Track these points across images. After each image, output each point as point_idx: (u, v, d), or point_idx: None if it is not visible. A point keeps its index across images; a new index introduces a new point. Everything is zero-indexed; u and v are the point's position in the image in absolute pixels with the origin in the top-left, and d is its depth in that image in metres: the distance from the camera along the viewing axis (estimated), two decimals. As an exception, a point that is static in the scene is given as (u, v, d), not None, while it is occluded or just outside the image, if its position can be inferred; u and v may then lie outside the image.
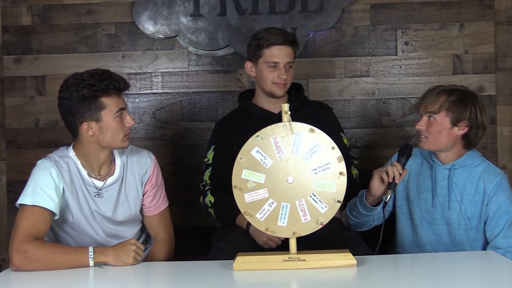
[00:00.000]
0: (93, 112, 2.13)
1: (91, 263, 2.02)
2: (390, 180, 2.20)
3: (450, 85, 2.40)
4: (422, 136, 2.34)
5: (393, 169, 2.20)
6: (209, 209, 2.55)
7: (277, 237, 2.28)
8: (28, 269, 2.00)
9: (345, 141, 2.67)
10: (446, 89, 2.34)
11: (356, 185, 2.59)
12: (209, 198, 2.54)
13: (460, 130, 2.31)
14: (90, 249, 2.03)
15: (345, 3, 3.08)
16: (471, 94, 2.35)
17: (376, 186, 2.24)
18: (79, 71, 2.21)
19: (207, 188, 2.57)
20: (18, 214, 2.10)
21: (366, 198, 2.31)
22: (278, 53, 2.52)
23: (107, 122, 2.15)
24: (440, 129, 2.30)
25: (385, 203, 2.25)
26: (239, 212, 2.37)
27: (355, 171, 2.62)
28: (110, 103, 2.14)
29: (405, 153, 2.26)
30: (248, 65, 2.61)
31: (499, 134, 3.10)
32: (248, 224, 2.38)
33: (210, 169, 2.58)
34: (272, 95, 2.56)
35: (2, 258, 3.16)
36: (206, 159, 2.62)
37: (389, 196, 2.21)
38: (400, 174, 2.21)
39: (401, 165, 2.22)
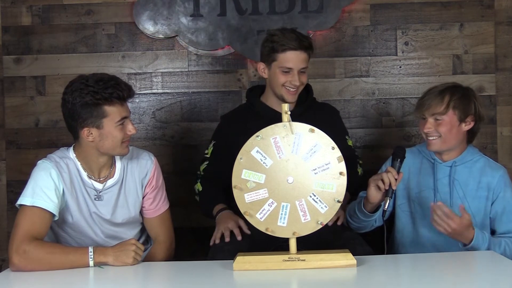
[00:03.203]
0: (95, 119, 2.11)
1: (91, 263, 2.02)
2: (387, 187, 2.18)
3: (444, 83, 2.41)
4: (431, 138, 2.34)
5: (388, 175, 2.18)
6: (196, 196, 2.62)
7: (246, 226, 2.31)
8: (28, 269, 1.99)
9: (350, 143, 2.71)
10: (446, 88, 2.35)
11: (361, 181, 2.61)
12: (198, 187, 2.61)
13: (466, 126, 2.34)
14: (90, 249, 2.03)
15: (345, 3, 3.08)
16: (469, 89, 2.40)
17: (373, 194, 2.22)
18: (80, 72, 2.20)
19: (199, 177, 2.64)
20: (17, 215, 2.10)
21: (364, 205, 2.29)
22: (293, 59, 2.48)
23: (108, 130, 2.13)
24: (450, 128, 2.31)
25: (384, 211, 2.23)
26: (219, 203, 2.47)
27: (360, 170, 2.68)
28: (112, 112, 2.12)
29: (398, 157, 2.23)
30: (261, 66, 2.58)
31: (499, 134, 3.10)
32: (217, 212, 2.44)
33: (206, 162, 2.63)
34: (282, 99, 2.53)
35: (2, 258, 3.15)
36: (206, 151, 2.67)
37: (387, 203, 2.20)
38: (396, 179, 2.18)
39: (395, 169, 2.20)
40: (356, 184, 2.54)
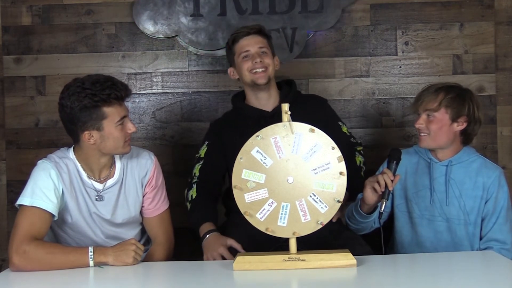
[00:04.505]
0: (95, 121, 2.10)
1: (91, 263, 2.01)
2: (383, 189, 2.17)
3: (443, 82, 2.43)
4: (422, 134, 2.36)
5: (384, 177, 2.17)
6: (188, 203, 2.53)
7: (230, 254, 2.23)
8: (28, 269, 1.99)
9: (345, 129, 2.68)
10: (443, 86, 2.37)
11: (361, 174, 2.59)
12: (193, 192, 2.53)
13: (459, 126, 2.35)
14: (90, 249, 2.03)
15: (345, 3, 3.08)
16: (467, 90, 2.40)
17: (370, 196, 2.21)
18: (80, 72, 2.20)
19: (194, 181, 2.56)
20: (17, 215, 2.10)
21: (361, 207, 2.29)
22: (247, 43, 2.56)
23: (108, 131, 2.12)
24: (440, 126, 2.32)
25: (381, 213, 2.23)
26: (207, 221, 2.39)
27: (359, 159, 2.64)
28: (112, 113, 2.11)
29: (394, 159, 2.22)
30: (230, 71, 2.65)
31: (499, 134, 3.10)
32: (204, 235, 2.36)
33: (201, 163, 2.60)
34: (256, 86, 2.55)
35: (2, 258, 3.15)
36: (198, 154, 2.64)
37: (383, 205, 2.18)
38: (392, 181, 2.17)
39: (391, 171, 2.19)
40: (357, 177, 2.49)
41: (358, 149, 2.67)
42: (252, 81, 2.55)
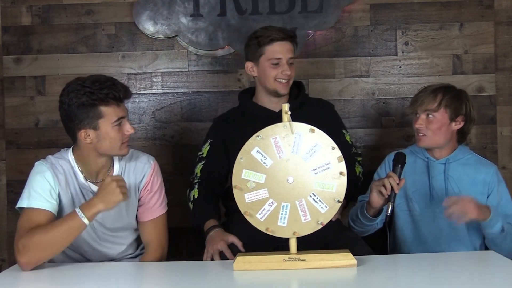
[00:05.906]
0: (91, 120, 2.10)
1: (85, 220, 2.00)
2: (389, 193, 2.19)
3: (438, 83, 2.48)
4: (421, 134, 2.39)
5: (389, 180, 2.19)
6: (190, 203, 2.52)
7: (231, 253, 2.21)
8: (36, 260, 1.98)
9: (348, 138, 2.67)
10: (440, 87, 2.42)
11: (359, 183, 2.60)
12: (194, 193, 2.52)
13: (456, 125, 2.41)
14: (77, 210, 2.01)
15: (345, 3, 3.08)
16: (462, 91, 2.47)
17: (376, 199, 2.24)
18: (80, 72, 2.19)
19: (195, 181, 2.56)
20: (19, 219, 2.10)
21: (367, 210, 2.31)
22: (280, 49, 2.50)
23: (105, 131, 2.11)
24: (440, 126, 2.37)
25: (387, 216, 2.24)
26: (211, 218, 2.38)
27: (358, 169, 2.64)
28: (108, 112, 2.10)
29: (399, 162, 2.24)
30: (249, 65, 2.58)
31: (499, 134, 3.10)
32: (208, 230, 2.35)
33: (203, 162, 2.58)
34: (275, 94, 2.53)
35: (2, 258, 3.15)
36: (200, 153, 2.62)
37: (389, 208, 2.20)
38: (397, 183, 2.18)
39: (396, 175, 2.21)
40: (355, 187, 2.50)
41: (358, 159, 2.67)
42: (274, 89, 2.53)
